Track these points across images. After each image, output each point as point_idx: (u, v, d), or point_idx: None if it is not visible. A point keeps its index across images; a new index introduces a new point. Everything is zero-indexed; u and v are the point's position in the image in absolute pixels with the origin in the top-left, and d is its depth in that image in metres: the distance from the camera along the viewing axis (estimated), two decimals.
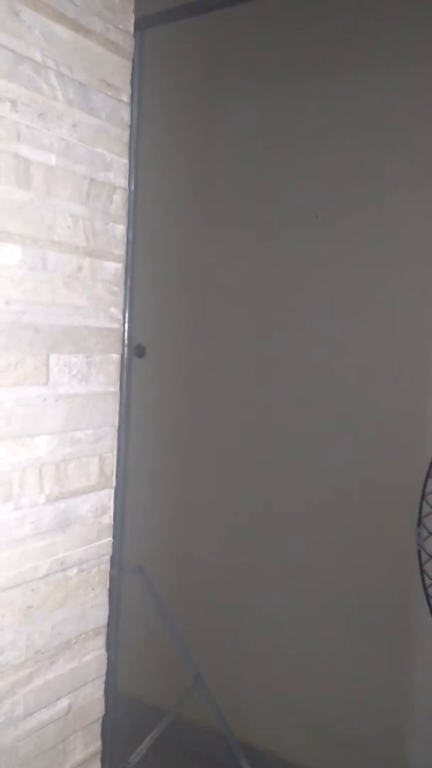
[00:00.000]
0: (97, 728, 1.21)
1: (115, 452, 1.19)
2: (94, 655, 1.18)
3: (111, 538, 1.19)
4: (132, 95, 1.17)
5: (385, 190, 1.91)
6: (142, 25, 1.49)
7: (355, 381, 1.97)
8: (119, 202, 1.15)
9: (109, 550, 1.19)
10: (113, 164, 1.13)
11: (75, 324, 1.08)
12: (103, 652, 1.20)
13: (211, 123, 2.23)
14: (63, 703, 1.13)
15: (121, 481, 1.56)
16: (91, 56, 1.08)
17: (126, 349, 1.74)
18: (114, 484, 1.19)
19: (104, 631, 1.20)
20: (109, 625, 1.21)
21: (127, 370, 1.74)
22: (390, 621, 1.92)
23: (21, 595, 1.03)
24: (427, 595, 1.67)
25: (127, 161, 1.16)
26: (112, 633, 1.26)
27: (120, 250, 1.16)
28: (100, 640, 1.19)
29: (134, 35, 1.16)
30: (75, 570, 1.12)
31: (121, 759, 1.75)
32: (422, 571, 1.68)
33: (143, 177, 1.80)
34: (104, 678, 1.21)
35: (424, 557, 1.67)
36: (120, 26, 1.13)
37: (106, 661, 1.21)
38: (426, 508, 1.68)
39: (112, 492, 1.19)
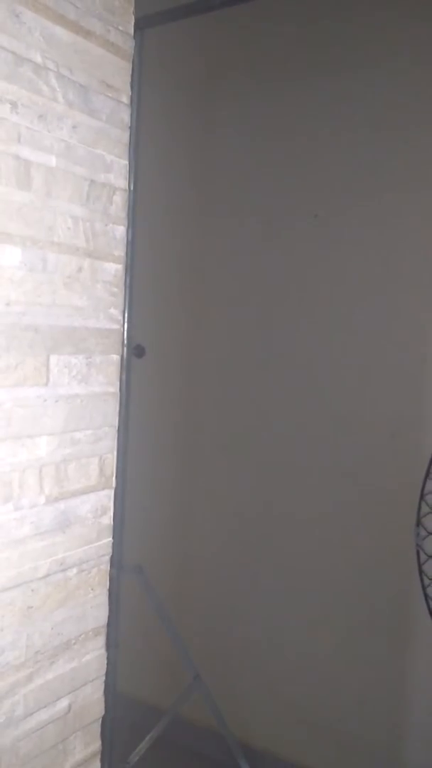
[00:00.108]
0: (96, 728, 1.21)
1: (115, 453, 1.19)
2: (93, 655, 1.18)
3: (111, 539, 1.20)
4: (132, 96, 1.17)
5: (385, 190, 1.91)
6: (141, 25, 1.49)
7: (354, 381, 1.98)
8: (119, 203, 1.15)
9: (109, 550, 1.19)
10: (113, 165, 1.13)
11: (75, 325, 1.08)
12: (102, 652, 1.20)
13: (211, 123, 2.23)
14: (63, 703, 1.13)
15: (120, 481, 1.56)
16: (91, 58, 1.08)
17: (125, 349, 1.74)
18: (114, 484, 1.20)
19: (104, 631, 1.20)
20: (108, 625, 1.21)
21: (126, 370, 1.74)
22: (389, 621, 1.93)
23: (21, 596, 1.03)
24: (425, 595, 1.67)
25: (127, 162, 1.16)
26: (112, 633, 1.26)
27: (120, 251, 1.16)
28: (100, 641, 1.19)
29: (134, 36, 1.16)
30: (75, 570, 1.13)
31: (121, 759, 1.75)
32: (421, 571, 1.68)
33: (143, 177, 1.80)
34: (104, 678, 1.21)
35: (423, 557, 1.67)
36: (120, 28, 1.13)
37: (105, 661, 1.21)
38: (425, 508, 1.68)
39: (112, 492, 1.19)
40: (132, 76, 1.17)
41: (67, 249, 1.06)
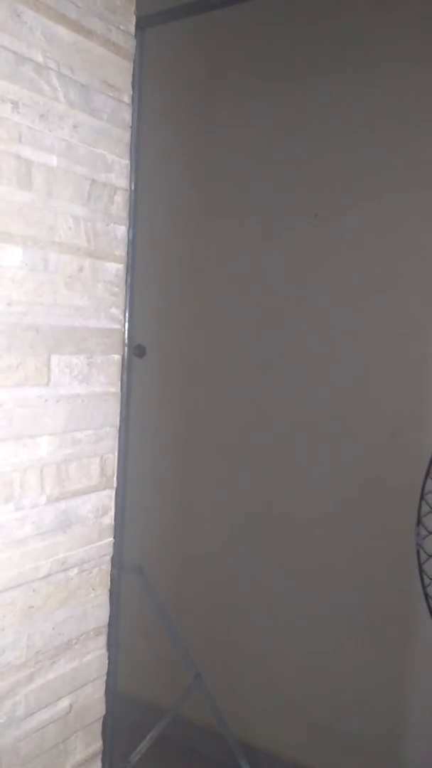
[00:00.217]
0: (97, 728, 1.21)
1: (116, 453, 1.19)
2: (94, 655, 1.18)
3: (112, 539, 1.19)
4: (133, 96, 1.17)
5: (385, 189, 1.91)
6: (142, 24, 1.49)
7: (354, 381, 1.98)
8: (120, 203, 1.15)
9: (110, 550, 1.19)
10: (114, 165, 1.13)
11: (76, 325, 1.08)
12: (103, 652, 1.20)
13: (211, 123, 2.23)
14: (64, 703, 1.13)
15: (121, 481, 1.56)
16: (92, 57, 1.08)
17: (126, 349, 1.74)
18: (115, 484, 1.20)
19: (105, 631, 1.20)
20: (108, 624, 1.21)
21: (127, 370, 1.74)
22: (389, 621, 1.93)
23: (22, 596, 1.03)
24: (426, 595, 1.67)
25: (128, 162, 1.16)
26: (112, 633, 1.26)
27: (121, 251, 1.16)
28: (101, 640, 1.19)
29: (135, 35, 1.16)
30: (76, 570, 1.13)
31: (121, 758, 1.75)
32: (421, 571, 1.68)
33: (144, 177, 1.80)
34: (105, 678, 1.21)
35: (423, 557, 1.67)
36: (121, 27, 1.13)
37: (106, 661, 1.21)
38: (425, 508, 1.69)
39: (113, 492, 1.19)
40: (133, 75, 1.17)
41: (68, 249, 1.06)
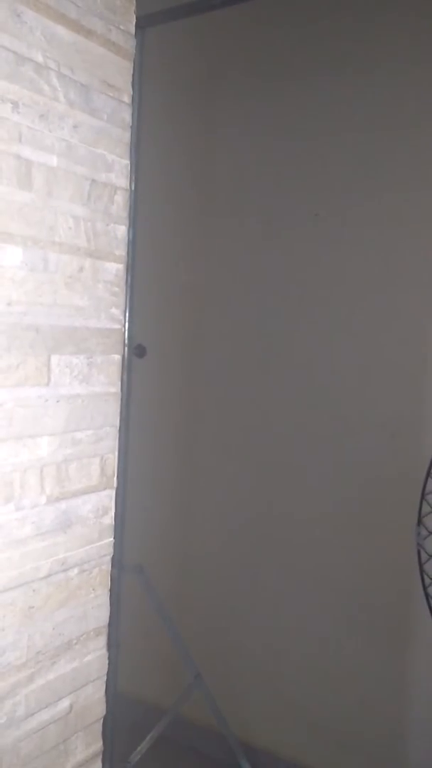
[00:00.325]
0: (98, 728, 1.21)
1: (116, 453, 1.19)
2: (95, 656, 1.18)
3: (112, 539, 1.19)
4: (133, 95, 1.17)
5: (385, 189, 1.91)
6: (142, 24, 1.49)
7: (354, 381, 1.98)
8: (120, 203, 1.15)
9: (111, 550, 1.19)
10: (114, 165, 1.13)
11: (76, 325, 1.08)
12: (104, 652, 1.20)
13: (211, 123, 2.23)
14: (64, 704, 1.13)
15: (121, 481, 1.56)
16: (92, 57, 1.08)
17: (126, 349, 1.74)
18: (115, 484, 1.19)
19: (105, 631, 1.20)
20: (109, 624, 1.21)
21: (127, 370, 1.74)
22: (390, 621, 1.93)
23: (22, 596, 1.03)
24: (426, 595, 1.67)
25: (128, 162, 1.16)
26: (112, 633, 1.26)
27: (121, 251, 1.16)
28: (102, 641, 1.19)
29: (135, 35, 1.16)
30: (76, 570, 1.12)
31: (121, 758, 1.75)
32: (422, 571, 1.68)
33: (144, 177, 1.80)
34: (105, 678, 1.21)
35: (424, 556, 1.67)
36: (121, 27, 1.13)
37: (107, 661, 1.21)
38: (425, 508, 1.69)
39: (113, 492, 1.19)
40: (133, 75, 1.17)
41: (68, 249, 1.06)
